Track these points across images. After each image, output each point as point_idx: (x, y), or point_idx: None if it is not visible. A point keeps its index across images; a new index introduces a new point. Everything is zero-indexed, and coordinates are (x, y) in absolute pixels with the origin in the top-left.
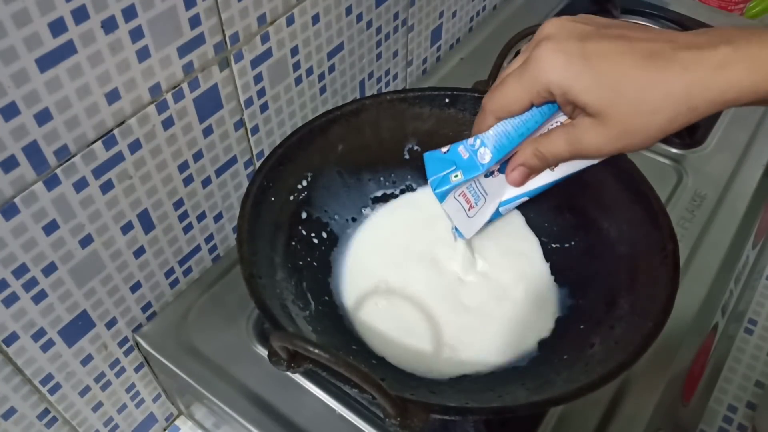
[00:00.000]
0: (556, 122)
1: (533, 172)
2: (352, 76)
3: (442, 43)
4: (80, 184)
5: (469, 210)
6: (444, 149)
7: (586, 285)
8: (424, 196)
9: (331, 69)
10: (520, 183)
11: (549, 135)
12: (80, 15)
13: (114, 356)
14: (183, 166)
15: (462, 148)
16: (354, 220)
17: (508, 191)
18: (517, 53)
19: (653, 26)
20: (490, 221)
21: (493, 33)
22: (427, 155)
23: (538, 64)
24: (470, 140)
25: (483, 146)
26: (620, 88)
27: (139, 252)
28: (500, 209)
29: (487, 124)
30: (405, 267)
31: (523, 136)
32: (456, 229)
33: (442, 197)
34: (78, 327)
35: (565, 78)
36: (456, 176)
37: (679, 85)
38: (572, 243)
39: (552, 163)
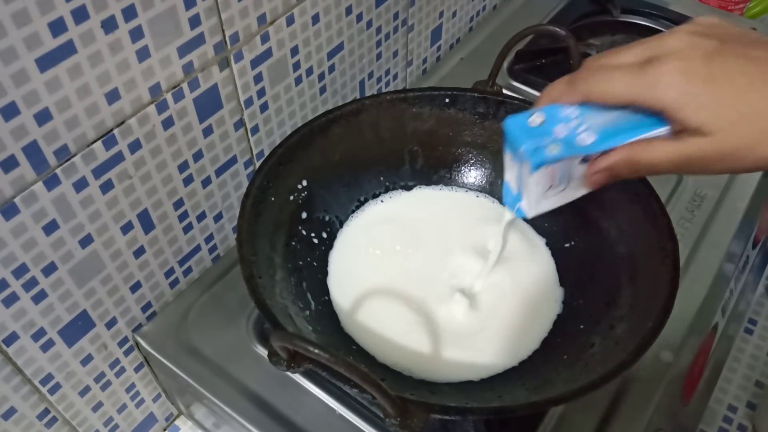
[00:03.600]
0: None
1: (617, 178)
2: (352, 76)
3: (442, 43)
4: (80, 184)
5: (548, 189)
6: (536, 119)
7: (586, 285)
8: (419, 193)
9: (331, 69)
10: (598, 186)
11: (650, 146)
12: (80, 15)
13: (114, 356)
14: (183, 166)
15: (561, 127)
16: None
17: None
18: (517, 54)
19: (651, 29)
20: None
21: (493, 33)
22: (509, 123)
23: (659, 79)
24: (573, 122)
25: (587, 131)
26: (739, 110)
27: (139, 252)
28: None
29: (571, 100)
30: (402, 267)
31: (634, 131)
32: (519, 207)
33: (537, 166)
34: (78, 327)
35: (684, 100)
36: (553, 150)
37: None
38: (572, 243)
39: (643, 174)
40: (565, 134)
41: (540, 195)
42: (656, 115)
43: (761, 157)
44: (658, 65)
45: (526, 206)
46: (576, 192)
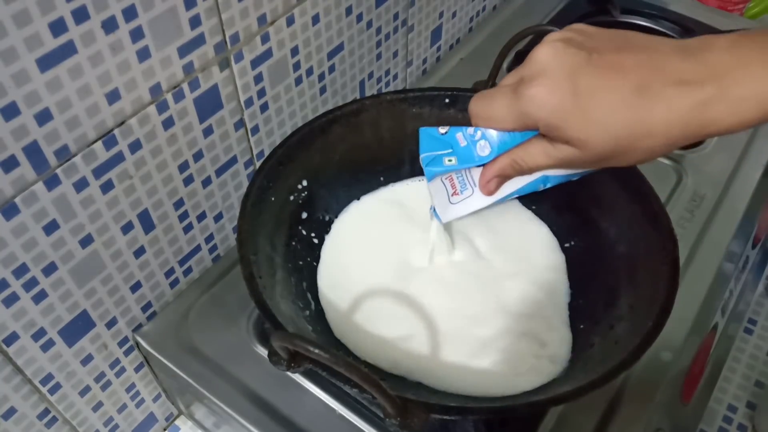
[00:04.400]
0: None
1: (508, 179)
2: (352, 76)
3: (442, 44)
4: (80, 184)
5: (452, 195)
6: (442, 129)
7: (586, 285)
8: (410, 188)
9: (331, 69)
10: (494, 192)
11: (527, 147)
12: (80, 15)
13: (114, 356)
14: (183, 166)
15: (461, 135)
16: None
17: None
18: (516, 54)
19: (651, 29)
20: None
21: (493, 33)
22: (422, 130)
23: (529, 101)
24: (470, 129)
25: (483, 139)
26: (605, 124)
27: (140, 252)
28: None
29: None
30: (398, 268)
31: (526, 136)
32: (434, 210)
33: (430, 176)
34: (78, 327)
35: (554, 118)
36: (450, 161)
37: (661, 123)
38: (572, 243)
39: (528, 173)
40: (465, 143)
41: (446, 200)
42: None
43: (625, 161)
44: (528, 86)
45: (439, 210)
46: (484, 199)
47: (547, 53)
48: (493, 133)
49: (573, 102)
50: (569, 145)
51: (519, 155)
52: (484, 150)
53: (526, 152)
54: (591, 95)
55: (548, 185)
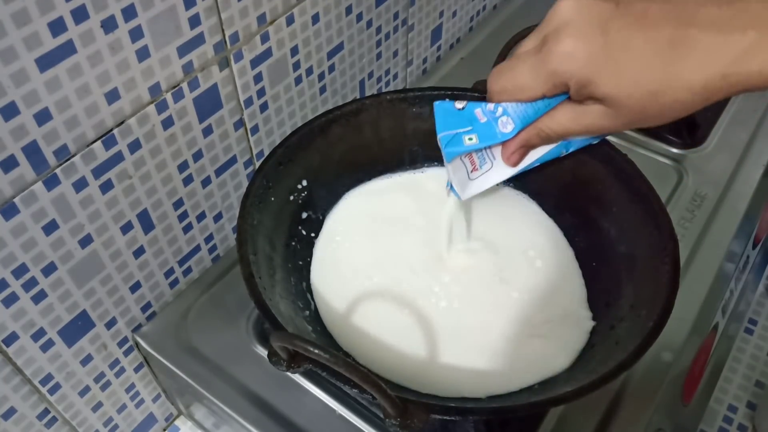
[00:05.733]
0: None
1: (532, 149)
2: (352, 76)
3: (442, 43)
4: (80, 184)
5: (471, 172)
6: (459, 104)
7: (587, 285)
8: (404, 179)
9: (331, 69)
10: (518, 163)
11: (553, 114)
12: (80, 15)
13: (114, 356)
14: (183, 166)
15: (479, 111)
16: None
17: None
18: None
19: None
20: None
21: (493, 33)
22: (438, 104)
23: (559, 57)
24: (490, 105)
25: (505, 115)
26: (641, 81)
27: (139, 252)
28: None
29: (490, 100)
30: (397, 268)
31: (549, 106)
32: (451, 186)
33: (450, 156)
34: (78, 327)
35: (586, 72)
36: (470, 139)
37: (699, 78)
38: (572, 243)
39: (555, 141)
40: (485, 120)
41: (465, 178)
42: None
43: (659, 120)
44: (555, 43)
45: (457, 188)
46: (504, 171)
47: (570, 6)
48: (515, 108)
49: (605, 56)
50: (601, 104)
51: (545, 123)
52: (506, 126)
53: (552, 119)
54: (623, 48)
55: (571, 149)
